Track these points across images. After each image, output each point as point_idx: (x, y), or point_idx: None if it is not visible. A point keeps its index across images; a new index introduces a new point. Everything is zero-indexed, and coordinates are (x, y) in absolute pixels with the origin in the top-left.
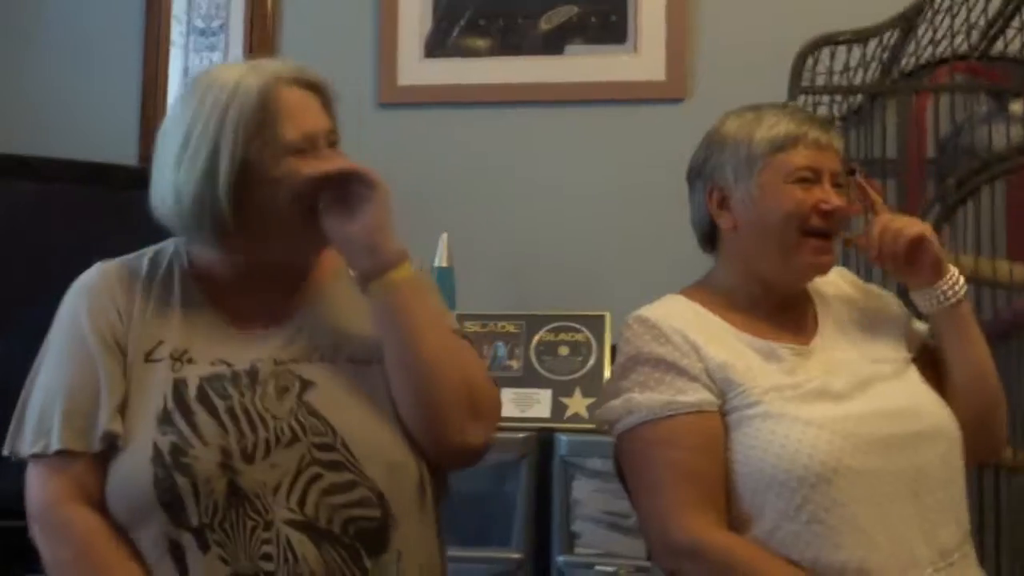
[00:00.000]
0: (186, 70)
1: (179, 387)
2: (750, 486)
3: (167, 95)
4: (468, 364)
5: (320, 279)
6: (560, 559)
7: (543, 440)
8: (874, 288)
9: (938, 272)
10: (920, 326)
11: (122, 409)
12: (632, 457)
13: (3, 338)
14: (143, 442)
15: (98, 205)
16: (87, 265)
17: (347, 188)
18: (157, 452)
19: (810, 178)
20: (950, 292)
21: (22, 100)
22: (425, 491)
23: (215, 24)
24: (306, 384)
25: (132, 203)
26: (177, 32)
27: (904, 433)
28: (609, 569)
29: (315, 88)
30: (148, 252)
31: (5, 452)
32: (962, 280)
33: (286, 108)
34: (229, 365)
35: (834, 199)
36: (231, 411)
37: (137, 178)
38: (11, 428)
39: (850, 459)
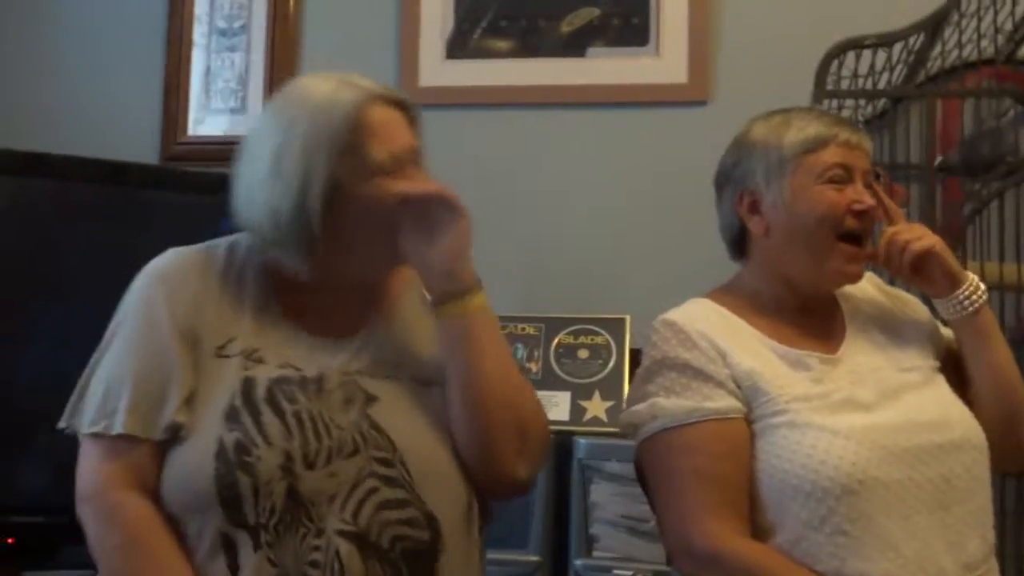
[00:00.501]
0: (207, 70)
1: (248, 385)
2: (774, 496)
3: (189, 95)
4: (525, 400)
5: (391, 295)
6: (578, 563)
7: (562, 443)
8: (901, 292)
9: (953, 282)
10: (947, 331)
11: (189, 401)
12: (656, 462)
13: (23, 335)
14: (208, 436)
15: (118, 204)
16: (106, 264)
17: (430, 210)
18: (221, 448)
19: (842, 177)
20: (967, 302)
21: (44, 101)
22: (472, 516)
23: (237, 24)
24: (371, 398)
25: (152, 202)
26: (199, 32)
27: (932, 444)
28: (627, 573)
29: (401, 106)
30: (222, 244)
31: (62, 425)
32: (982, 288)
33: (375, 127)
34: (298, 370)
35: (867, 199)
36: (297, 415)
37: (156, 177)
38: (71, 402)
39: (876, 470)
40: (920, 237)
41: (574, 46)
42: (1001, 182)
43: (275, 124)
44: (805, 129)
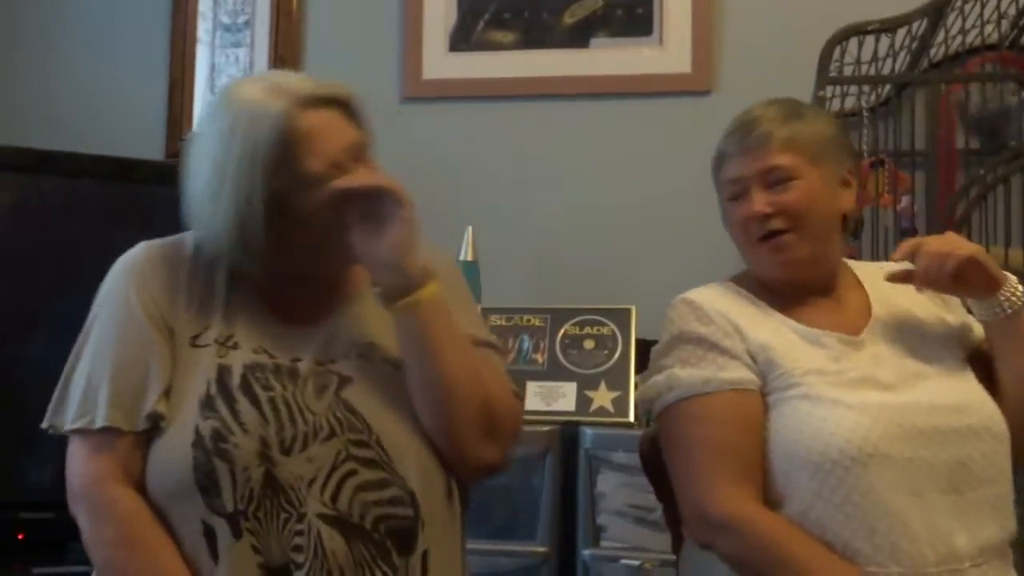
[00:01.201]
0: (213, 66)
1: (223, 374)
2: (783, 466)
3: (194, 91)
4: (488, 382)
5: (357, 280)
6: (586, 553)
7: (568, 434)
8: None
9: (994, 286)
10: (980, 328)
11: (167, 391)
12: (672, 432)
13: (32, 332)
14: (186, 426)
15: (124, 200)
16: (113, 260)
17: (374, 204)
18: (198, 436)
19: (738, 191)
20: (1006, 303)
21: (50, 97)
22: (452, 495)
23: (240, 20)
24: (344, 380)
25: (158, 198)
26: (203, 29)
27: (948, 427)
28: (635, 563)
29: (337, 102)
30: (191, 234)
31: (44, 425)
32: (1021, 290)
33: (308, 137)
34: (272, 357)
35: (754, 207)
36: (272, 402)
37: (163, 173)
38: (53, 402)
39: (888, 446)
40: (958, 246)
41: (577, 37)
42: (1006, 167)
43: (209, 138)
44: (720, 143)
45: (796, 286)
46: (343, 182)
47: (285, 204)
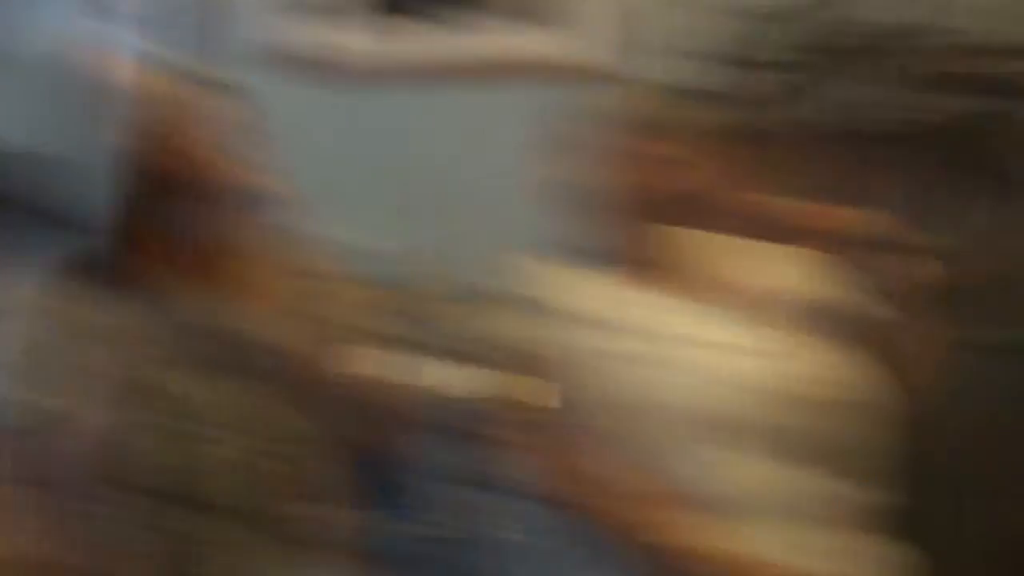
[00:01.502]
0: None
1: None
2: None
3: None
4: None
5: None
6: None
7: None
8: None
9: (894, 256)
10: (872, 307)
11: None
12: None
13: None
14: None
15: None
16: None
17: (244, 199)
18: None
19: None
20: (903, 276)
21: None
22: None
23: None
24: None
25: None
26: None
27: (815, 397)
28: None
29: (213, 84)
30: None
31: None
32: (923, 266)
33: (180, 119)
34: None
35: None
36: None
37: None
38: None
39: (737, 412)
40: (857, 214)
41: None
42: None
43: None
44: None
45: None
46: (215, 176)
47: (157, 189)
